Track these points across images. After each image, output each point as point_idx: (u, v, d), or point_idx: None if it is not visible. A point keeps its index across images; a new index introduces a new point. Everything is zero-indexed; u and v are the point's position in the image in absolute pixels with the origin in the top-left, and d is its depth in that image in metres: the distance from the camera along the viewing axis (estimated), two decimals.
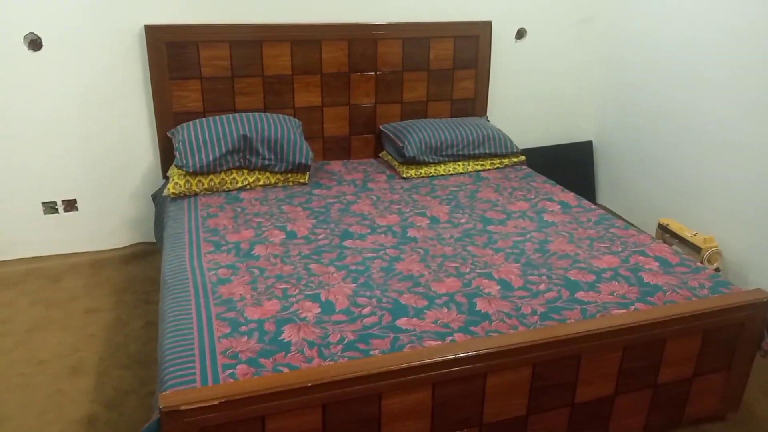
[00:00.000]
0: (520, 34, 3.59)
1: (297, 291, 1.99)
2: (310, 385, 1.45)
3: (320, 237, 2.42)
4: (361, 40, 3.25)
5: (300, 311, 1.87)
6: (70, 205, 3.16)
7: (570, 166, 3.95)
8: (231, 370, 1.57)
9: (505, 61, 3.60)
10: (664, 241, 3.18)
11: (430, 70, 3.42)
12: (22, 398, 2.20)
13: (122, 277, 3.04)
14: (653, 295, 2.05)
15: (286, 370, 1.57)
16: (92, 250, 3.26)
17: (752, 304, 1.95)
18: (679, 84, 3.27)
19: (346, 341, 1.72)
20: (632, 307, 1.97)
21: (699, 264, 2.29)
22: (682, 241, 3.09)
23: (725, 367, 2.05)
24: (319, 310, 1.88)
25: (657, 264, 2.26)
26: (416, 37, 3.33)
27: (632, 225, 3.23)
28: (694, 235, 3.06)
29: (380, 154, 3.42)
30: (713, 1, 3.02)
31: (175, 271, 2.11)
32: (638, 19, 3.52)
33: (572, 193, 2.97)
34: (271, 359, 1.62)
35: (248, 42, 3.08)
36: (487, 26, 3.43)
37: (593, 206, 2.83)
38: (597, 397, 1.90)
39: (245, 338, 1.71)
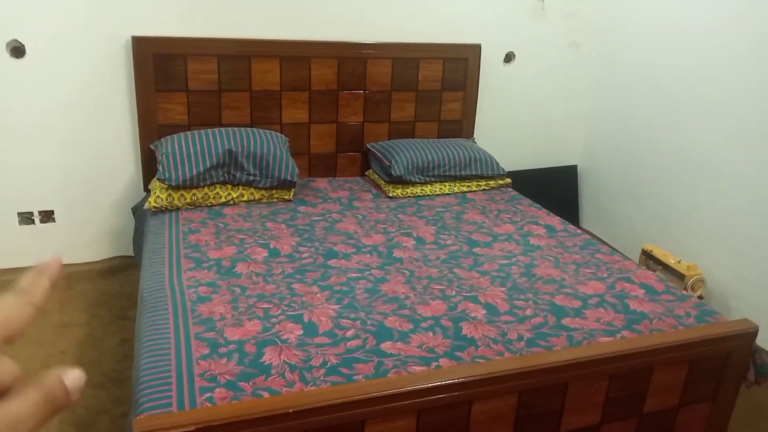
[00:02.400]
0: (509, 57, 3.61)
1: (279, 311, 1.94)
2: (291, 411, 1.39)
3: (304, 255, 2.37)
4: (350, 59, 3.24)
5: (282, 332, 1.82)
6: (47, 216, 3.08)
7: (554, 189, 3.96)
8: (209, 394, 1.51)
9: (493, 84, 3.61)
10: (648, 268, 3.19)
11: (419, 90, 3.42)
12: None
13: (98, 291, 2.96)
14: (639, 323, 2.03)
15: (266, 394, 1.52)
16: (68, 262, 3.17)
17: (739, 334, 1.94)
18: (666, 111, 3.31)
19: (329, 365, 1.67)
20: (619, 335, 1.95)
21: (684, 292, 2.29)
22: (666, 267, 3.10)
23: (711, 397, 2.03)
24: (302, 331, 1.83)
25: (643, 291, 2.25)
26: (405, 58, 3.33)
27: (617, 251, 3.24)
28: (678, 263, 3.07)
29: (366, 173, 3.40)
30: (701, 30, 3.06)
31: (154, 287, 2.05)
32: (627, 47, 3.57)
33: (557, 217, 2.97)
34: (250, 383, 1.57)
35: (237, 56, 3.05)
36: (476, 49, 3.45)
37: (578, 231, 2.82)
38: (582, 426, 1.86)
39: (224, 360, 1.66)
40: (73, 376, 0.43)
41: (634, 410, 1.93)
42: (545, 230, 2.79)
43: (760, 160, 2.79)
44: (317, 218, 2.77)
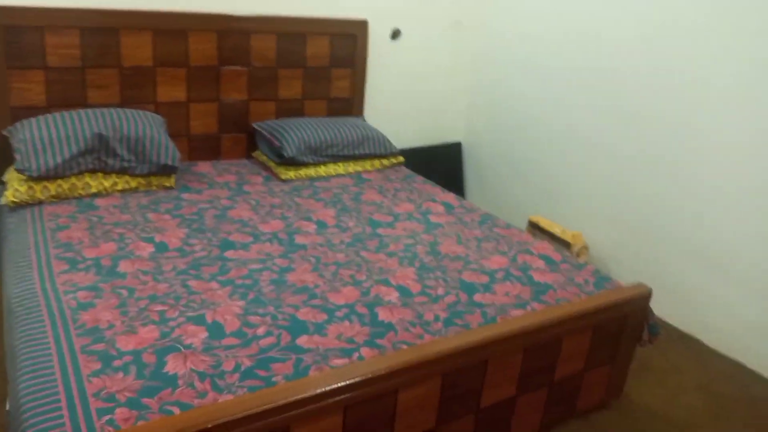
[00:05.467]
0: (396, 34, 3.55)
1: (177, 313, 1.74)
2: (210, 426, 1.24)
3: (196, 248, 2.17)
4: (231, 33, 3.00)
5: (183, 337, 1.63)
6: None
7: (440, 166, 3.99)
8: (109, 416, 1.30)
9: (381, 61, 3.54)
10: (535, 239, 3.32)
11: (307, 67, 3.26)
12: None
13: None
14: (545, 294, 2.08)
15: (176, 410, 1.34)
16: None
17: (636, 297, 2.05)
18: (546, 85, 3.43)
19: (242, 368, 1.52)
20: (528, 307, 1.98)
21: (579, 261, 2.38)
22: (552, 237, 3.24)
23: (611, 359, 2.15)
24: (206, 334, 1.66)
25: (543, 262, 2.31)
26: (291, 33, 3.15)
27: (512, 225, 3.34)
28: (563, 232, 3.22)
29: (253, 154, 3.20)
30: (580, 4, 3.19)
31: (23, 295, 1.76)
32: (507, 21, 3.65)
33: (452, 194, 2.98)
34: (156, 398, 1.38)
35: (103, 29, 2.71)
36: (363, 25, 3.35)
37: (474, 206, 2.86)
38: (500, 400, 1.88)
39: (121, 374, 1.45)
40: None
41: (546, 379, 1.98)
42: (443, 207, 2.79)
43: (634, 134, 2.98)
44: (205, 206, 2.55)
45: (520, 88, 3.59)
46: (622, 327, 2.09)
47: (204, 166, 3.04)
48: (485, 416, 1.86)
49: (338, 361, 1.58)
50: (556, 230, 3.24)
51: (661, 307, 2.88)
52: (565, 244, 3.18)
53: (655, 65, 2.84)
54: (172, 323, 1.69)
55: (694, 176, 2.75)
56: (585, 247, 3.19)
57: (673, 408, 2.34)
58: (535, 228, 3.37)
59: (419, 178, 3.17)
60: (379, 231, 2.46)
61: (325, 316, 1.79)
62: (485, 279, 2.14)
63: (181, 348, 1.58)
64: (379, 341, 1.70)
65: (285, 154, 2.90)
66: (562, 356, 1.97)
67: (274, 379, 1.49)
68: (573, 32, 3.23)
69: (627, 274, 3.07)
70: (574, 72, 3.25)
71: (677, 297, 2.87)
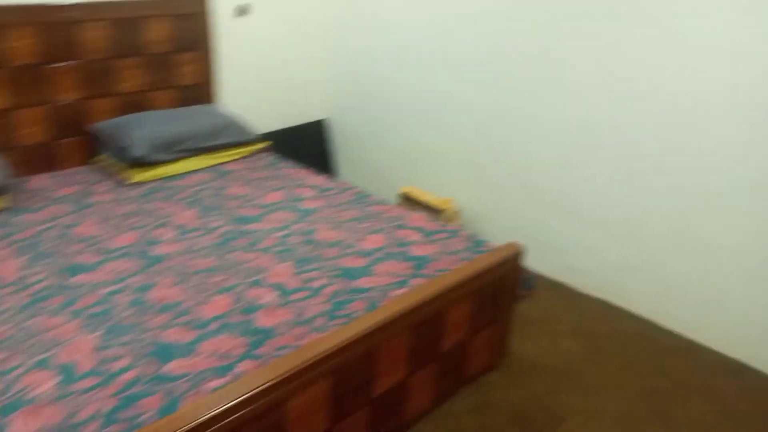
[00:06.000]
0: (242, 10, 3.32)
1: (18, 361, 1.51)
2: None
3: (37, 279, 1.90)
4: (57, 25, 2.63)
5: (28, 389, 1.41)
6: None
7: (309, 147, 3.87)
8: None
9: (233, 42, 3.31)
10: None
11: (147, 54, 2.96)
12: None
13: None
14: (424, 267, 2.06)
15: None
16: None
17: (510, 257, 2.09)
18: (406, 51, 3.39)
19: (104, 413, 1.34)
20: (410, 285, 1.95)
21: (453, 227, 2.39)
22: (425, 206, 3.26)
23: (493, 321, 2.19)
24: (57, 379, 1.45)
25: (419, 235, 2.30)
26: (125, 18, 2.83)
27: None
28: (434, 200, 3.24)
29: (96, 160, 2.88)
30: None
31: None
32: None
33: (322, 176, 2.88)
34: None
35: None
36: (201, 2, 3.09)
37: (346, 186, 2.78)
38: (391, 385, 1.85)
39: None
40: None
41: (434, 354, 1.98)
42: (314, 191, 2.69)
43: (492, 96, 3.03)
44: (44, 227, 2.24)
45: (381, 56, 3.53)
46: (500, 288, 2.14)
47: (40, 180, 2.69)
48: (379, 404, 1.82)
49: (214, 383, 1.45)
50: (428, 199, 3.26)
51: (531, 259, 3.01)
52: (437, 212, 3.21)
53: (517, 25, 2.90)
54: (13, 373, 1.46)
55: (555, 129, 2.85)
56: (456, 212, 3.24)
57: (553, 355, 2.45)
58: (407, 200, 3.37)
59: (286, 164, 3.03)
60: (248, 227, 2.31)
61: (194, 334, 1.64)
62: (364, 261, 2.08)
63: (27, 402, 1.37)
64: (258, 351, 1.59)
65: (134, 154, 2.63)
66: (447, 328, 1.98)
67: (141, 418, 1.33)
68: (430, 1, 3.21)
69: (497, 231, 3.17)
70: (433, 37, 3.23)
71: (545, 247, 3.01)
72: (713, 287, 2.48)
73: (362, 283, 1.95)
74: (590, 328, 2.64)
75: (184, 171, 2.81)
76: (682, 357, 2.48)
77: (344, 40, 3.72)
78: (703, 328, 2.54)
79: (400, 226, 2.36)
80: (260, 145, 3.15)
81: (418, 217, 2.46)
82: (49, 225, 2.25)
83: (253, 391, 1.39)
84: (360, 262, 2.07)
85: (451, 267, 2.06)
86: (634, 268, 2.71)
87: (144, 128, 2.73)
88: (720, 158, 2.34)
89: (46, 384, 1.43)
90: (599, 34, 2.56)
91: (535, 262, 3.02)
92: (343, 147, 4.00)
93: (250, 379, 1.44)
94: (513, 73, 2.91)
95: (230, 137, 2.98)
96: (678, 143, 2.44)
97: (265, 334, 1.66)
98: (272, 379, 1.42)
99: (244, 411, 1.37)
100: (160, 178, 2.73)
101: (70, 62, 2.74)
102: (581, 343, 2.54)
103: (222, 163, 2.95)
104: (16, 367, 1.48)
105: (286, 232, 2.28)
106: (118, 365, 1.50)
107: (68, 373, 1.46)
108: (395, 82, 3.49)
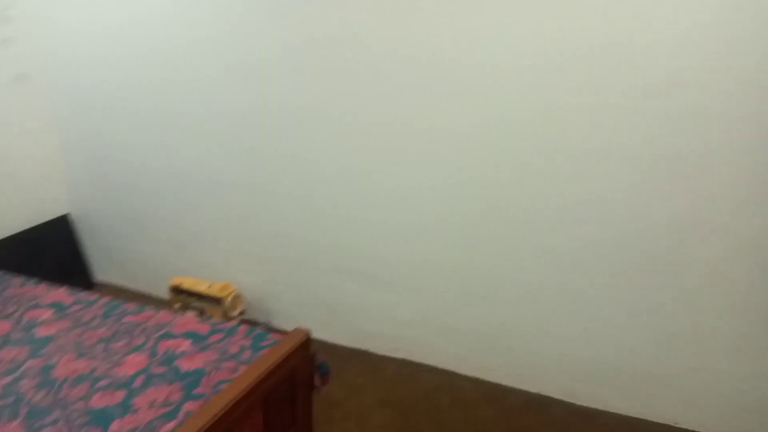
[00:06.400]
0: None
1: None
2: None
3: None
4: None
5: None
6: None
7: (50, 250, 3.27)
8: None
9: None
10: (183, 304, 2.94)
11: None
12: None
13: None
14: (199, 385, 1.74)
15: None
16: None
17: (299, 347, 1.87)
18: (149, 131, 3.04)
19: None
20: (181, 413, 1.61)
21: (231, 323, 2.10)
22: (201, 297, 2.90)
23: (292, 421, 1.93)
24: None
25: (189, 342, 1.96)
26: None
27: (147, 298, 2.89)
28: (210, 287, 2.91)
29: None
30: (164, 47, 2.87)
31: None
32: (85, 73, 3.11)
33: (63, 288, 2.38)
34: None
35: None
36: None
37: (94, 296, 2.32)
38: None
39: None
40: None
41: None
42: (53, 311, 2.19)
43: (252, 165, 2.82)
44: None
45: (123, 139, 3.12)
46: (292, 385, 1.89)
47: None
48: None
49: None
50: (202, 288, 2.91)
51: (326, 331, 2.84)
52: (216, 301, 2.87)
53: (257, 99, 2.73)
54: None
55: (325, 191, 2.73)
56: (237, 296, 2.94)
57: None
58: (179, 292, 2.97)
59: (16, 280, 2.45)
60: None
61: None
62: (121, 395, 1.68)
63: None
64: None
65: None
66: None
67: None
68: (158, 72, 2.90)
69: (288, 307, 2.95)
70: (174, 108, 2.93)
71: (339, 314, 2.86)
72: (502, 327, 2.52)
73: (121, 426, 1.55)
74: (397, 395, 2.51)
75: None
76: (490, 403, 2.46)
77: (77, 124, 3.23)
78: (502, 368, 2.57)
79: (165, 336, 2.00)
80: None
81: (187, 320, 2.12)
82: None
83: None
84: (115, 398, 1.67)
85: (231, 377, 1.77)
86: (427, 322, 2.67)
87: None
88: (479, 209, 2.42)
89: None
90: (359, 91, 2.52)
91: (331, 333, 2.85)
92: (95, 243, 3.45)
93: None
94: (271, 138, 2.74)
95: None
96: (443, 192, 2.48)
97: None
98: None
99: None
100: None
101: None
102: (390, 414, 2.40)
103: None
104: None
105: (12, 377, 1.78)
106: None
107: None
108: (145, 163, 3.11)
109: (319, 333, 2.89)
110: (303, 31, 2.48)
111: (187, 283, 2.97)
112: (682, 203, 2.07)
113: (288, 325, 2.97)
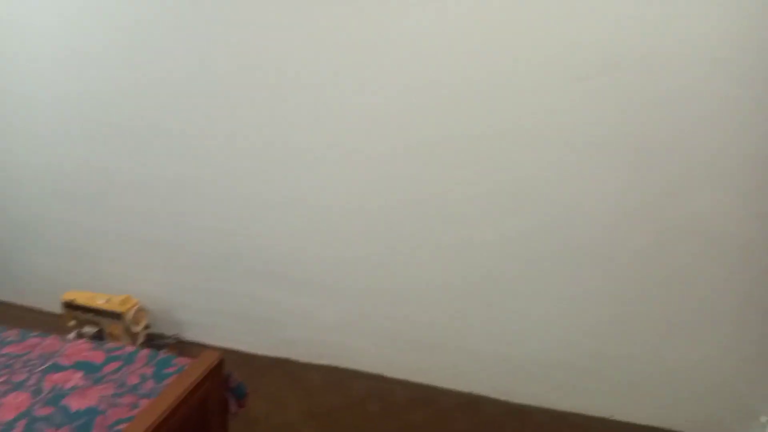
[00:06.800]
0: None
1: None
2: None
3: None
4: None
5: None
6: None
7: None
8: None
9: None
10: (78, 322, 2.62)
11: None
12: None
13: None
14: (92, 428, 1.49)
15: None
16: None
17: (210, 373, 1.66)
18: (16, 127, 2.67)
19: None
20: None
21: (129, 349, 1.85)
22: (98, 312, 2.59)
23: None
24: None
25: (80, 374, 1.70)
26: None
27: (38, 313, 2.57)
28: (108, 301, 2.60)
29: None
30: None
31: None
32: None
33: None
34: None
35: None
36: None
37: None
38: None
39: None
40: None
41: None
42: None
43: (142, 165, 2.54)
44: None
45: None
46: (204, 413, 1.68)
47: None
48: None
49: None
50: (99, 303, 2.60)
51: (244, 342, 2.62)
52: (116, 316, 2.58)
53: (150, 80, 2.44)
54: None
55: (218, 196, 2.49)
56: (141, 310, 2.65)
57: None
58: (74, 308, 2.64)
59: None
60: None
61: None
62: None
63: None
64: None
65: None
66: None
67: None
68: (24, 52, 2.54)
69: (199, 317, 2.70)
70: (49, 97, 2.59)
71: (257, 323, 2.64)
72: (430, 326, 2.40)
73: None
74: (322, 405, 2.35)
75: None
76: (423, 407, 2.34)
77: None
78: (433, 370, 2.45)
79: (53, 368, 1.73)
80: None
81: (78, 347, 1.84)
82: None
83: None
84: None
85: (130, 414, 1.53)
86: (351, 325, 2.51)
87: None
88: (398, 202, 2.27)
89: None
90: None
91: (247, 342, 2.64)
92: None
93: None
94: (173, 131, 2.47)
95: None
96: (360, 186, 2.31)
97: None
98: None
99: None
100: None
101: None
102: (317, 427, 2.23)
103: None
104: None
105: None
106: None
107: None
108: (12, 163, 2.74)
109: (234, 343, 2.67)
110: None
111: (82, 297, 2.64)
112: (610, 191, 2.02)
113: (200, 337, 2.73)
